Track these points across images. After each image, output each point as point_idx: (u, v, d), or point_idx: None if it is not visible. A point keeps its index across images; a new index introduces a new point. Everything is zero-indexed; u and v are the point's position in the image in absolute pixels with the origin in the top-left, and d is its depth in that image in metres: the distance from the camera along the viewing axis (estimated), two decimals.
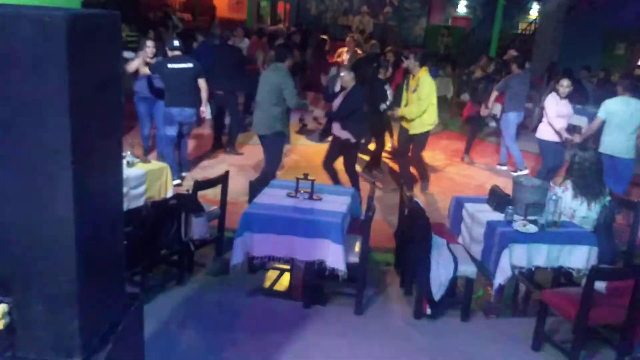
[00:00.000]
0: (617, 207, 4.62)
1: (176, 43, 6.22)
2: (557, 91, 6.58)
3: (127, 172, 4.64)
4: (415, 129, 6.50)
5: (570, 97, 6.73)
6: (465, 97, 8.16)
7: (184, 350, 3.53)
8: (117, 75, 2.31)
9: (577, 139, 6.46)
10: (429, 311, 4.08)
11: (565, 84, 6.50)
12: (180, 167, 6.56)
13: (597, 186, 4.37)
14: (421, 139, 6.65)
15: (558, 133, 6.55)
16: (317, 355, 3.60)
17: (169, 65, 6.10)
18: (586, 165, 4.34)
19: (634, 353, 3.69)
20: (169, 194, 5.02)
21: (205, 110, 6.62)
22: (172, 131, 6.26)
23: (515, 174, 7.52)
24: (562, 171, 6.51)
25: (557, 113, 6.48)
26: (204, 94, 6.37)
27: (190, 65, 6.21)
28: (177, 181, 6.28)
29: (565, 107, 6.53)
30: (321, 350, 3.65)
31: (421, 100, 6.29)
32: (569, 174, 4.47)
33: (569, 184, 4.41)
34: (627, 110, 6.07)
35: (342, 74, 6.31)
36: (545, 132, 6.68)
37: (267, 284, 4.48)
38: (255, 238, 3.97)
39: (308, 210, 4.11)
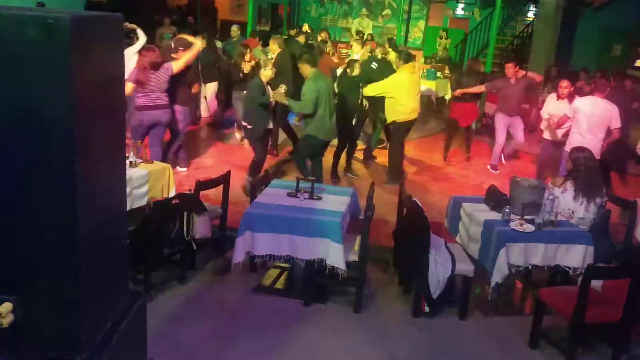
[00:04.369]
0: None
1: None
2: (557, 92, 6.73)
3: (130, 172, 4.68)
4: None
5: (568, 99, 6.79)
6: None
7: (186, 348, 3.57)
8: (120, 76, 2.34)
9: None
10: (427, 309, 4.12)
11: (563, 85, 6.63)
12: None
13: (595, 185, 4.42)
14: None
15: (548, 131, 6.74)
16: (316, 352, 3.64)
17: None
18: (590, 165, 4.40)
19: (629, 351, 3.73)
20: (172, 194, 5.07)
21: None
22: None
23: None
24: (555, 171, 6.60)
25: (548, 112, 6.64)
26: None
27: None
28: None
29: (562, 108, 6.57)
30: (321, 347, 3.69)
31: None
32: (570, 175, 4.52)
33: (569, 185, 4.45)
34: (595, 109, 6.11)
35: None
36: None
37: (268, 282, 4.52)
38: (256, 237, 4.02)
39: (308, 209, 4.16)
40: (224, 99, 10.44)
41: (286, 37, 10.78)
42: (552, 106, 6.70)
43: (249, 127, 6.14)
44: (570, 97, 6.57)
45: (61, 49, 1.77)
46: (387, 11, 17.51)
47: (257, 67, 6.59)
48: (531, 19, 16.42)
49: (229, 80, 9.29)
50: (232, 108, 8.42)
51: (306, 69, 5.76)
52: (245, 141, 7.65)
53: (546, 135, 6.88)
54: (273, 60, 7.09)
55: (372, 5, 17.24)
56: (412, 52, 8.57)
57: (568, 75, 8.57)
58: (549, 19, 11.93)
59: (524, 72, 8.13)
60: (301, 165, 6.06)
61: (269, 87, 6.12)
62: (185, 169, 6.84)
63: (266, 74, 6.05)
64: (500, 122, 7.77)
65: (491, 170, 7.94)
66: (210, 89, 9.06)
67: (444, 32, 15.81)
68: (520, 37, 16.08)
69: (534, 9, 16.20)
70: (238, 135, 8.18)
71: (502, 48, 15.15)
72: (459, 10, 17.03)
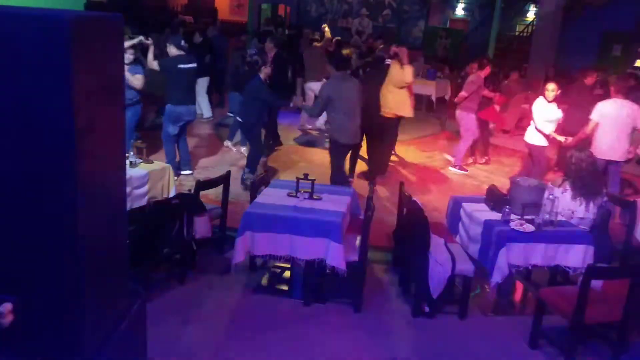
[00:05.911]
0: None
1: (182, 43, 6.42)
2: (543, 95, 6.40)
3: (130, 172, 4.69)
4: None
5: (567, 99, 6.73)
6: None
7: (186, 348, 3.57)
8: (120, 76, 2.34)
9: (570, 140, 6.40)
10: (427, 309, 4.12)
11: (550, 88, 6.34)
12: (179, 164, 6.62)
13: (595, 186, 4.41)
14: None
15: (547, 137, 6.48)
16: (316, 352, 3.64)
17: (179, 66, 6.21)
18: (583, 166, 4.38)
19: (629, 351, 3.73)
20: (172, 194, 5.07)
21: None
22: (175, 129, 6.39)
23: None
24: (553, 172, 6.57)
25: (545, 118, 6.38)
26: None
27: (194, 65, 6.40)
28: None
29: (552, 111, 6.48)
30: (321, 347, 3.69)
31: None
32: (567, 175, 4.51)
33: (567, 185, 4.45)
34: (621, 112, 6.00)
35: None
36: (534, 136, 6.56)
37: (268, 282, 4.52)
38: (256, 237, 4.02)
39: (308, 209, 4.16)
40: (217, 100, 10.48)
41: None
42: (549, 112, 6.37)
43: (242, 120, 6.33)
44: (556, 100, 6.42)
45: (61, 49, 1.77)
46: (387, 11, 17.54)
47: (255, 64, 6.57)
48: (531, 19, 16.44)
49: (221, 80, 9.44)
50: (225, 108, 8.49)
51: (330, 70, 5.80)
52: (229, 142, 7.86)
53: (539, 141, 6.54)
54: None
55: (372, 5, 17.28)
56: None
57: (562, 75, 8.49)
58: (549, 19, 11.94)
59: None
60: (338, 177, 5.74)
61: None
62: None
63: (267, 71, 6.18)
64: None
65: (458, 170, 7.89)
66: (201, 84, 9.03)
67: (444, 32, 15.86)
68: (521, 37, 16.09)
69: (534, 9, 16.22)
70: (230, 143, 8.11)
71: (502, 48, 15.14)
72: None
